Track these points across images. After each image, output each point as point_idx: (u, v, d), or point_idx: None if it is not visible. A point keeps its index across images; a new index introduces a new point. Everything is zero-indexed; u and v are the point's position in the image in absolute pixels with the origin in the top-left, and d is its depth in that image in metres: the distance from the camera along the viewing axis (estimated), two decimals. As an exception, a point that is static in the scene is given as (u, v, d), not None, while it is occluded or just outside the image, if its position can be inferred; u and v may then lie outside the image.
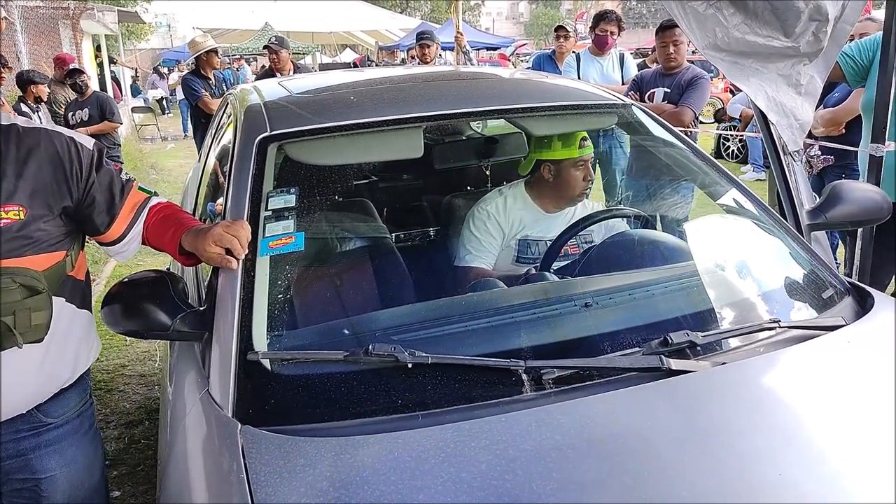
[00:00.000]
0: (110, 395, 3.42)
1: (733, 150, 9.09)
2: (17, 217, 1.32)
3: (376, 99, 1.99)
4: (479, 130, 3.19)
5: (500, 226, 2.20)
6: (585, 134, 2.16)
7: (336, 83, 2.39)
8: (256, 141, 1.74)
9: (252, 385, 1.28)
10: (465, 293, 2.04)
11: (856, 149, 3.07)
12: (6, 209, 1.31)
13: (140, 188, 1.58)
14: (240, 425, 1.19)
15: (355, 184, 2.75)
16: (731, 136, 8.83)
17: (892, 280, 3.00)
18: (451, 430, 1.13)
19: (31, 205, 1.35)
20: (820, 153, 3.97)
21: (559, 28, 5.20)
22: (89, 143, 1.48)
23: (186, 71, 7.09)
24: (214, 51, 6.01)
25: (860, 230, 2.57)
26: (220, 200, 2.35)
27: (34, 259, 1.36)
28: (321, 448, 1.11)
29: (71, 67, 6.46)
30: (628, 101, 2.22)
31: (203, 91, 5.76)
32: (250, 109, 1.98)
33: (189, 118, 11.50)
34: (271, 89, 2.30)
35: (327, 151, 1.83)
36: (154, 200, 1.58)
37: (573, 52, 5.05)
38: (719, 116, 9.20)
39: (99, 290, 4.99)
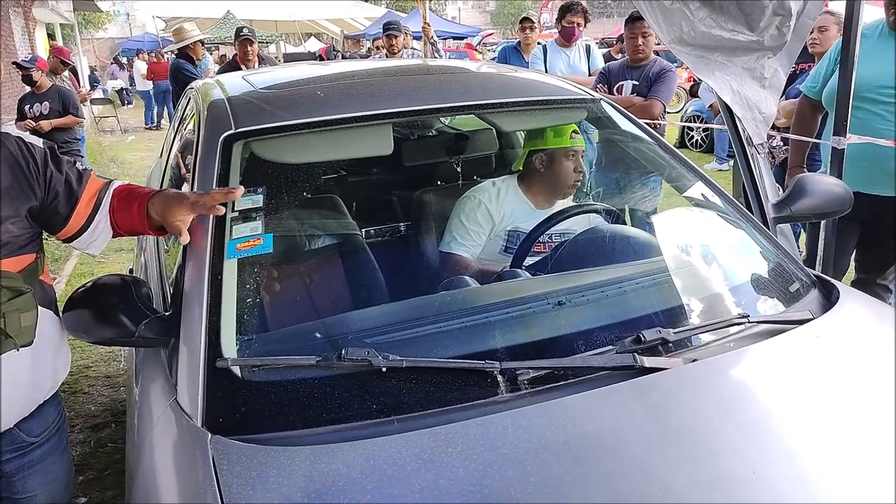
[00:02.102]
0: (75, 398, 3.33)
1: (697, 140, 9.22)
2: None
3: (344, 94, 1.96)
4: (446, 124, 3.17)
5: (491, 215, 2.20)
6: (576, 127, 2.17)
7: (302, 77, 2.34)
8: (221, 139, 1.69)
9: (221, 393, 1.24)
10: (441, 282, 2.05)
11: (817, 140, 3.13)
12: None
13: (98, 176, 1.53)
14: (210, 435, 1.16)
15: (323, 179, 2.71)
16: (696, 127, 8.94)
17: (851, 268, 3.08)
18: (427, 435, 1.12)
19: None
20: (782, 144, 4.04)
21: (524, 20, 5.20)
22: (38, 142, 1.44)
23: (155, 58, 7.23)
24: (201, 41, 6.11)
25: (823, 222, 2.62)
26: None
27: (7, 262, 1.33)
28: (294, 457, 1.09)
29: (22, 59, 6.24)
30: (597, 95, 2.23)
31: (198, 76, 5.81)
32: (213, 105, 1.92)
33: (167, 104, 11.28)
34: (234, 84, 2.25)
35: (294, 149, 1.79)
36: (115, 184, 1.53)
37: (539, 42, 5.06)
38: (694, 91, 9.30)
39: (60, 289, 4.85)
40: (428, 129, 2.94)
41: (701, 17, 2.32)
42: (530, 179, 2.25)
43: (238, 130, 1.71)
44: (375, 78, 2.25)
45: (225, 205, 1.52)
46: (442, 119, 3.10)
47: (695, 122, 9.08)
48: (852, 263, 3.07)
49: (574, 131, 2.15)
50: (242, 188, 1.44)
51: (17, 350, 1.33)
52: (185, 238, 1.40)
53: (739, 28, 2.35)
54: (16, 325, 1.32)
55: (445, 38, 19.67)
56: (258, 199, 1.57)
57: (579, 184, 2.23)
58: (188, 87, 2.88)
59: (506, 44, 6.68)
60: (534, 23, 5.16)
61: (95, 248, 1.52)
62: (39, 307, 1.42)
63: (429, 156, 2.58)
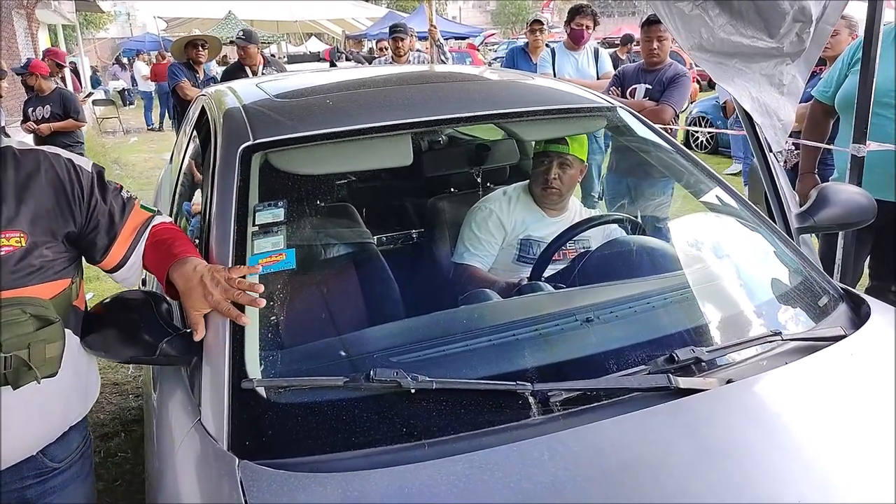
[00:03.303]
0: (82, 406, 3.30)
1: (702, 141, 9.19)
2: (19, 244, 1.24)
3: (362, 104, 1.93)
4: (460, 132, 3.14)
5: (503, 224, 2.19)
6: (575, 136, 2.14)
7: (316, 85, 2.31)
8: (240, 150, 1.66)
9: (247, 415, 1.22)
10: (456, 293, 2.02)
11: (829, 146, 3.10)
12: (7, 236, 1.23)
13: (142, 206, 1.49)
14: (237, 460, 1.13)
15: (336, 184, 2.68)
16: (700, 131, 8.91)
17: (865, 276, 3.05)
18: (462, 462, 1.09)
19: (32, 231, 1.27)
20: (793, 148, 4.02)
21: (535, 22, 5.16)
22: (88, 164, 1.40)
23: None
24: (195, 44, 6.12)
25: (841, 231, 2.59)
26: (195, 200, 2.27)
27: (40, 288, 1.28)
28: (326, 484, 1.06)
29: (26, 61, 6.24)
30: (615, 103, 2.20)
31: (184, 78, 5.82)
32: (229, 115, 1.90)
33: (168, 106, 11.33)
34: (249, 92, 2.22)
35: (313, 160, 1.77)
36: (157, 220, 1.49)
37: (547, 44, 5.03)
38: (714, 83, 9.22)
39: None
40: (445, 138, 2.92)
41: (720, 24, 2.29)
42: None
43: (256, 142, 1.69)
44: (392, 86, 2.22)
45: (245, 223, 1.49)
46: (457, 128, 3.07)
47: (699, 122, 9.06)
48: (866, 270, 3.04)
49: (562, 139, 2.13)
50: (263, 301, 1.31)
51: (39, 382, 1.27)
52: (200, 335, 1.32)
53: (759, 34, 2.33)
54: (40, 357, 1.27)
55: (447, 39, 19.68)
56: (279, 213, 1.54)
57: (553, 190, 2.18)
58: (200, 93, 2.86)
59: (513, 44, 6.63)
60: (543, 25, 5.12)
61: (130, 283, 1.50)
62: (73, 333, 1.38)
63: (447, 166, 2.56)
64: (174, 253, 1.39)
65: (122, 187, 1.47)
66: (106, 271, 1.46)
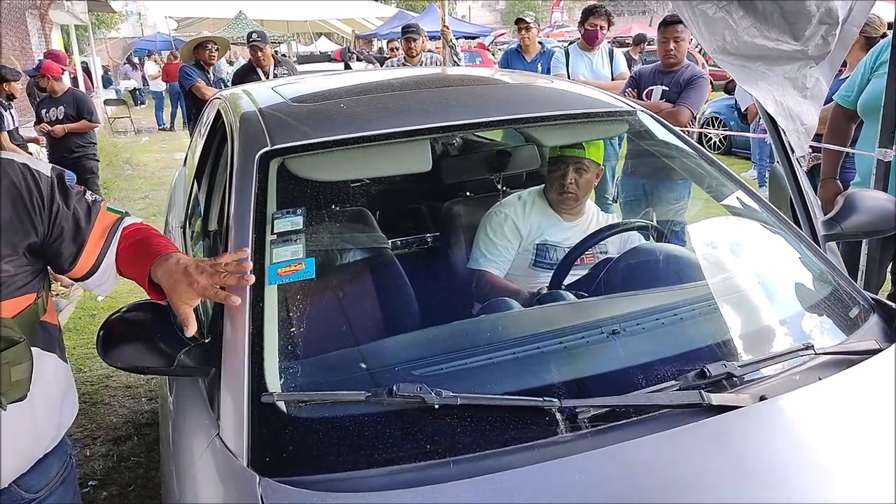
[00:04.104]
0: (95, 409, 3.29)
1: (715, 142, 9.12)
2: None
3: (381, 109, 1.90)
4: (474, 133, 3.10)
5: (518, 229, 2.16)
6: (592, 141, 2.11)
7: (334, 89, 2.28)
8: (257, 157, 1.63)
9: (267, 430, 1.19)
10: (473, 299, 1.98)
11: (852, 150, 3.05)
12: None
13: (109, 209, 1.38)
14: (258, 477, 1.10)
15: (351, 187, 2.65)
16: (714, 133, 8.83)
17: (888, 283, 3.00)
18: (491, 483, 1.05)
19: None
20: (811, 151, 3.96)
21: (519, 21, 5.16)
22: (47, 169, 1.30)
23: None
24: (205, 45, 6.17)
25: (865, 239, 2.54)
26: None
27: (1, 306, 1.19)
28: (350, 504, 1.04)
29: (38, 62, 6.25)
30: (636, 106, 2.16)
31: (199, 79, 5.86)
32: (246, 119, 1.87)
33: (180, 107, 11.35)
34: (264, 96, 2.19)
35: (332, 166, 1.73)
36: (127, 222, 1.39)
37: (555, 43, 4.98)
38: (730, 88, 9.10)
39: (77, 295, 4.82)
40: (460, 141, 2.88)
41: (744, 27, 2.25)
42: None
43: (274, 147, 1.66)
44: (410, 90, 2.19)
45: (263, 232, 1.45)
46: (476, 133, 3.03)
47: (712, 123, 8.98)
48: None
49: (578, 143, 2.09)
50: (253, 277, 1.25)
51: (4, 409, 1.18)
52: (192, 329, 1.24)
53: (783, 37, 2.28)
54: (6, 381, 1.17)
55: (458, 38, 19.64)
56: (298, 221, 1.51)
57: (570, 195, 2.16)
58: (214, 95, 2.84)
59: (507, 48, 6.62)
60: (529, 23, 5.08)
61: (104, 290, 1.41)
62: (42, 351, 1.30)
63: (467, 172, 2.53)
64: (153, 252, 1.30)
65: (85, 190, 1.37)
66: (76, 280, 1.36)
